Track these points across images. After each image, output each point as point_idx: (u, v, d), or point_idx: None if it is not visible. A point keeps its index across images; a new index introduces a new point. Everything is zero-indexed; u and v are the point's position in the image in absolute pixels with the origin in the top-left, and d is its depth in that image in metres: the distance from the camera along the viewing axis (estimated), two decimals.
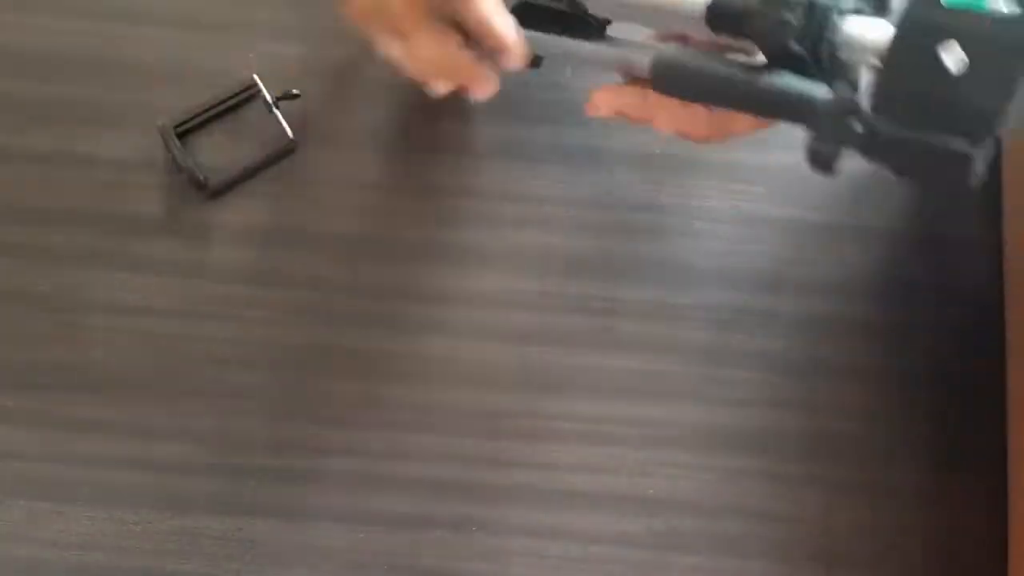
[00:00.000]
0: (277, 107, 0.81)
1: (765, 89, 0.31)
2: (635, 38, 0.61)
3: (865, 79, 0.36)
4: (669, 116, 0.57)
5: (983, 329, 0.81)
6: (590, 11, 0.58)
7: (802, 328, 0.81)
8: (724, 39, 0.45)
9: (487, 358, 0.79)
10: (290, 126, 0.82)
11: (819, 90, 0.31)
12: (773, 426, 0.79)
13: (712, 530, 0.77)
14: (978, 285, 0.82)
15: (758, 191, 0.84)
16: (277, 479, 0.76)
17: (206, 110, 0.82)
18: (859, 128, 0.31)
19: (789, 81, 0.31)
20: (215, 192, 0.81)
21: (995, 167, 0.83)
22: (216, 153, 0.82)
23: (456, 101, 0.70)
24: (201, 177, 0.80)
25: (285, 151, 0.82)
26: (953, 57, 0.30)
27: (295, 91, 0.81)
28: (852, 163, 0.84)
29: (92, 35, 0.85)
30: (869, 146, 0.31)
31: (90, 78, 0.84)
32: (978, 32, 0.30)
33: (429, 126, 0.84)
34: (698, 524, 0.77)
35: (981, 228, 0.83)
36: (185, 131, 0.81)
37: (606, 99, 0.61)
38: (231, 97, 0.83)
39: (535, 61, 0.57)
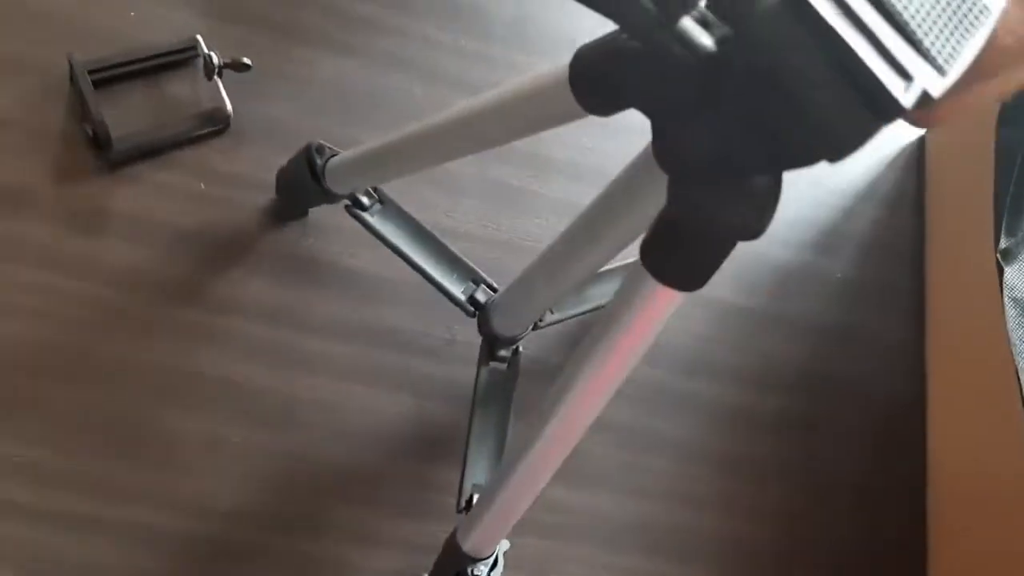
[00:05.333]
0: (220, 75, 0.65)
1: None
2: None
3: None
4: None
5: (904, 431, 0.76)
6: None
7: (721, 417, 0.73)
8: None
9: (373, 406, 0.65)
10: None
11: None
12: (686, 524, 0.69)
13: None
14: (899, 385, 0.78)
15: None
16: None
17: (128, 62, 0.64)
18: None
19: None
20: (116, 161, 0.63)
21: (919, 269, 0.82)
22: (128, 115, 0.64)
23: None
24: (107, 135, 0.61)
25: (213, 129, 0.67)
26: None
27: (246, 60, 0.66)
28: (781, 252, 0.81)
29: None
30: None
31: None
32: None
33: None
34: None
35: (904, 328, 0.79)
36: (98, 81, 0.63)
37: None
38: (162, 54, 0.65)
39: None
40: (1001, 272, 0.65)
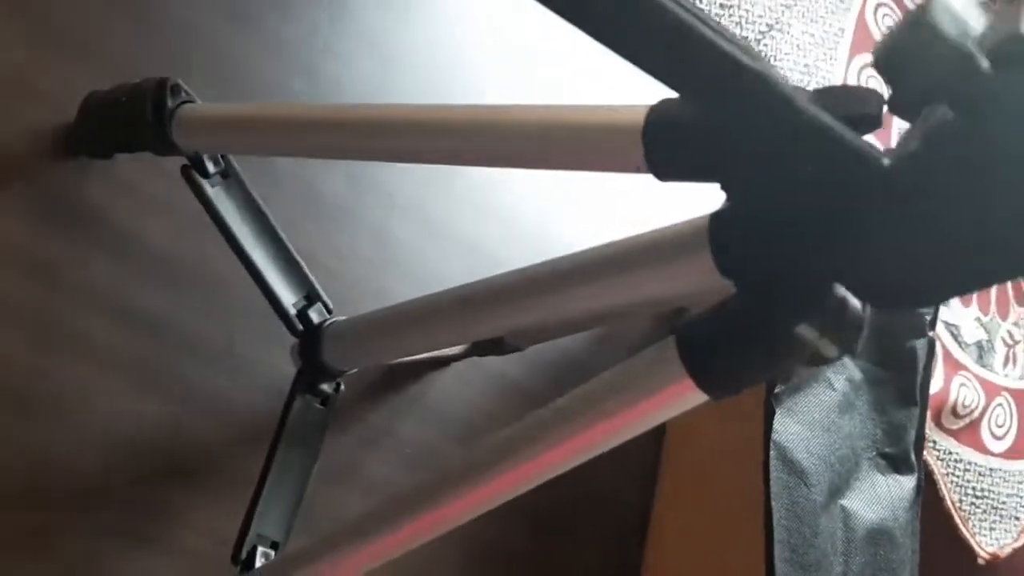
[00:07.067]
0: None
1: None
2: None
3: None
4: None
5: (630, 542, 0.78)
6: None
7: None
8: None
9: (128, 407, 0.53)
10: None
11: None
12: None
13: None
14: (633, 498, 0.79)
15: None
16: None
17: None
18: None
19: None
20: None
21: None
22: None
23: None
24: None
25: None
26: None
27: None
28: (570, 342, 0.79)
29: None
30: None
31: None
32: None
33: None
34: None
35: (647, 444, 0.81)
36: None
37: None
38: None
39: None
40: (771, 416, 0.70)
